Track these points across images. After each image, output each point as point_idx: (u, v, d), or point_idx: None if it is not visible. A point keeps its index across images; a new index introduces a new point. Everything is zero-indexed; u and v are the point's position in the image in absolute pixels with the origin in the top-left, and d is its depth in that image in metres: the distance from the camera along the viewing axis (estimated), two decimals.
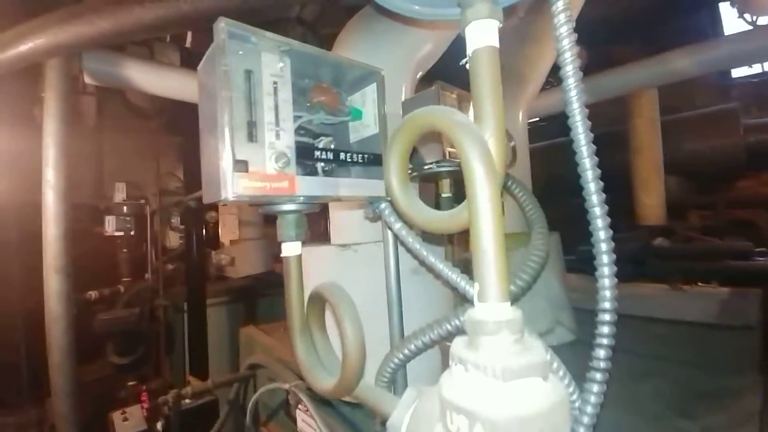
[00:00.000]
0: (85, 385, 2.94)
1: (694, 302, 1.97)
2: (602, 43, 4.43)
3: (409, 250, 0.58)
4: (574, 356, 1.41)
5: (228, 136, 0.38)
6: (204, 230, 3.57)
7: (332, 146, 0.49)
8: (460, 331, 0.67)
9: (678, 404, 1.02)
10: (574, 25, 0.47)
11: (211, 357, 2.97)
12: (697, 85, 6.45)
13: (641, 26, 5.23)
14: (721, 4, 5.23)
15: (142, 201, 3.21)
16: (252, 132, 0.40)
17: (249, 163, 0.40)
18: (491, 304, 0.35)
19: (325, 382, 0.48)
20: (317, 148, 0.45)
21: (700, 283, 2.28)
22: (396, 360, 0.58)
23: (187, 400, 1.64)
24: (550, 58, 2.18)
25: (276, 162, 0.42)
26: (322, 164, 0.46)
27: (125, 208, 3.14)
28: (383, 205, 0.57)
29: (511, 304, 0.70)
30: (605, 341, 0.55)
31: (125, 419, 1.64)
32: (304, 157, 0.44)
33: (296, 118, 0.47)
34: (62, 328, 1.76)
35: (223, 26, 0.38)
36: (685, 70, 2.38)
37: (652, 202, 4.04)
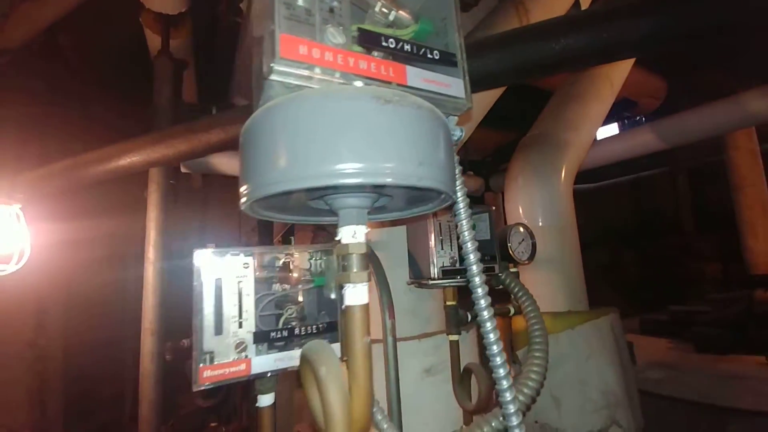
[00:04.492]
0: (178, 418, 3.35)
1: None
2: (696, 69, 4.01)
3: None
4: None
5: (198, 335, 0.51)
6: None
7: (294, 316, 0.59)
8: None
9: None
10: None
11: (279, 404, 3.17)
12: None
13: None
14: None
15: None
16: (219, 325, 0.53)
17: (215, 353, 0.52)
18: None
19: None
20: (274, 330, 0.56)
21: None
22: None
23: None
24: (597, 117, 2.09)
25: (236, 349, 0.53)
26: (280, 340, 0.57)
27: None
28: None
29: None
30: None
31: None
32: (262, 339, 0.55)
33: (264, 297, 0.59)
34: (152, 384, 2.08)
35: (195, 255, 0.53)
36: (764, 113, 2.07)
37: (761, 248, 3.42)
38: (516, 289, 1.01)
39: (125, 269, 4.59)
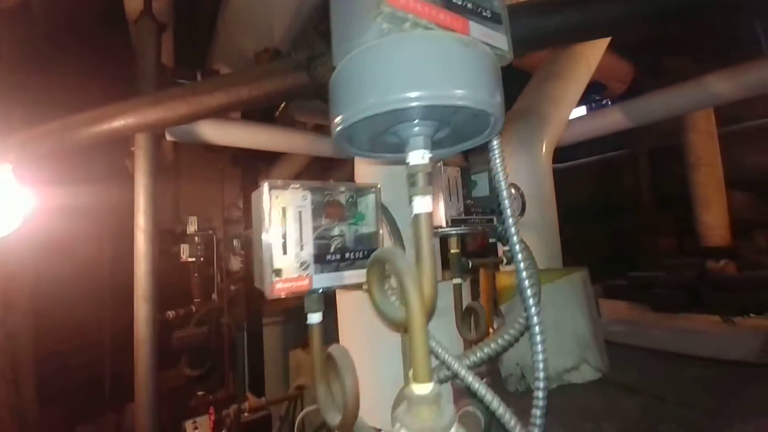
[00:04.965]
0: (163, 393, 3.37)
1: (742, 339, 1.89)
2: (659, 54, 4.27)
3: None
4: (594, 395, 1.46)
5: (269, 254, 0.59)
6: None
7: (340, 246, 0.68)
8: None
9: None
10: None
11: (267, 370, 3.27)
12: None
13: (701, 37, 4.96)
14: None
15: (210, 231, 3.66)
16: (285, 247, 0.61)
17: (282, 271, 0.60)
18: (419, 385, 0.51)
19: (335, 418, 0.67)
20: (329, 253, 0.65)
21: (752, 315, 2.15)
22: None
23: (246, 414, 1.90)
24: (575, 95, 2.24)
25: (299, 267, 0.62)
26: (332, 263, 0.66)
27: (197, 238, 3.60)
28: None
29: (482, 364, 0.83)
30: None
31: (195, 428, 1.93)
32: (319, 261, 0.64)
33: (315, 228, 0.67)
34: (148, 349, 2.11)
35: (266, 186, 0.60)
36: (726, 95, 2.30)
37: (714, 221, 3.78)
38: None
39: (100, 244, 4.45)
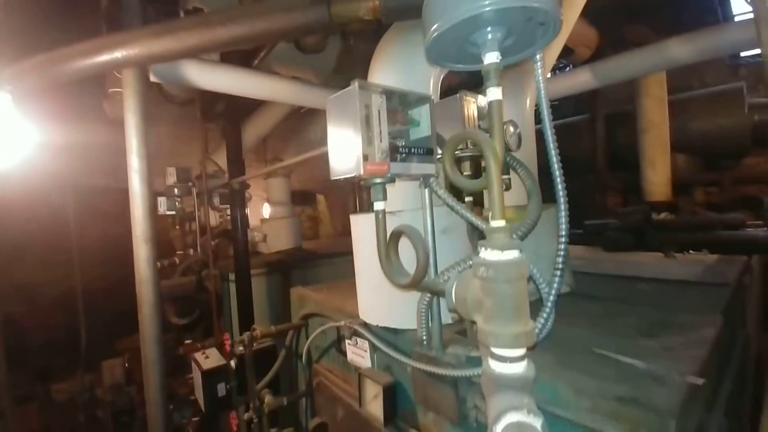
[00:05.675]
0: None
1: (681, 266, 2.27)
2: (621, 23, 4.55)
3: (448, 206, 0.92)
4: (566, 302, 1.73)
5: (360, 142, 0.71)
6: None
7: (404, 144, 0.82)
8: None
9: (645, 330, 1.33)
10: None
11: (256, 319, 3.40)
12: (709, 63, 6.47)
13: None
14: None
15: (190, 184, 3.61)
16: (369, 138, 0.74)
17: (368, 156, 0.73)
18: (496, 221, 0.67)
19: (402, 280, 0.84)
20: (399, 147, 0.78)
21: (691, 252, 2.56)
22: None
23: (254, 343, 2.04)
24: (555, 53, 2.42)
25: (380, 155, 0.74)
26: (401, 156, 0.79)
27: (176, 190, 3.54)
28: (432, 179, 0.90)
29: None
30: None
31: (206, 357, 2.05)
32: (392, 152, 0.77)
33: (389, 126, 0.80)
34: (151, 287, 2.16)
35: (356, 84, 0.71)
36: (684, 58, 2.58)
37: (658, 179, 4.25)
38: (514, 164, 1.32)
39: (63, 197, 4.21)
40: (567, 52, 4.94)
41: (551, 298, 0.91)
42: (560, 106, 6.69)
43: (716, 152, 4.67)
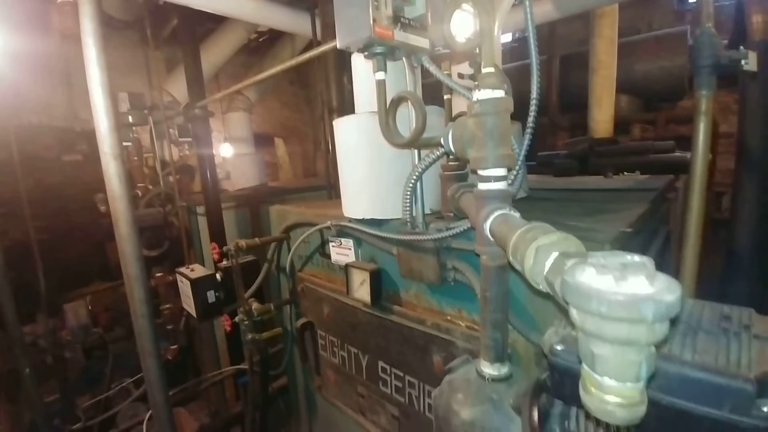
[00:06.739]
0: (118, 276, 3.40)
1: (617, 182, 2.62)
2: None
3: (437, 77, 1.02)
4: (523, 203, 1.99)
5: (369, 8, 0.80)
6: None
7: (404, 16, 0.91)
8: None
9: (588, 213, 1.60)
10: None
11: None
12: (659, 8, 6.83)
13: None
14: None
15: (145, 111, 3.40)
16: (377, 5, 0.82)
17: (377, 20, 0.82)
18: (487, 68, 0.81)
19: (401, 140, 0.97)
20: (402, 17, 0.87)
21: (626, 173, 2.93)
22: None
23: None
24: None
25: (386, 21, 0.83)
26: (403, 26, 0.89)
27: (130, 118, 3.33)
28: (425, 57, 1.00)
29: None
30: None
31: (192, 270, 2.12)
32: (396, 21, 0.87)
33: None
34: (125, 204, 2.14)
35: None
36: None
37: (602, 117, 4.61)
38: None
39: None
40: None
41: (522, 153, 1.06)
42: (520, 47, 6.83)
43: (657, 94, 5.08)
